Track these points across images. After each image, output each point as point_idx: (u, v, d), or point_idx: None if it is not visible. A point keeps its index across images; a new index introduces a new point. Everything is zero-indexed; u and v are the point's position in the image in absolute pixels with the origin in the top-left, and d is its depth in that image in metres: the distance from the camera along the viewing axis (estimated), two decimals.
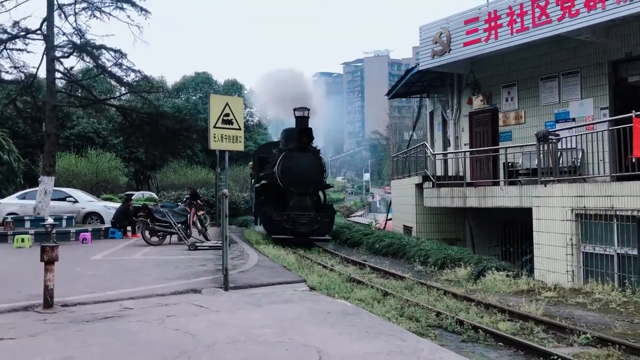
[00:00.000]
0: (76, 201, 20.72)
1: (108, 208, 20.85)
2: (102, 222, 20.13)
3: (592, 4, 12.10)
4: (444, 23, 16.16)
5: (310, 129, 17.18)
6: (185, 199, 17.73)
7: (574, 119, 14.20)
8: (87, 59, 19.65)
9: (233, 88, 54.95)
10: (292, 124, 18.09)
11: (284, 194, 16.88)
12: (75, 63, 21.43)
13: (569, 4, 12.57)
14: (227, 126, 23.07)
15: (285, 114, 19.92)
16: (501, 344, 6.35)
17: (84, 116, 38.93)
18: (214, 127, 22.83)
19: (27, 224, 16.50)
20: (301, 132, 16.93)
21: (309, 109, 17.37)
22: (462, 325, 6.89)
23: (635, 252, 9.51)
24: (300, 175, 16.62)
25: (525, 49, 14.72)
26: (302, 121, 17.23)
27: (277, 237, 16.15)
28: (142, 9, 18.95)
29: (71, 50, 19.23)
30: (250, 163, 24.40)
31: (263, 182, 18.37)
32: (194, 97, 55.75)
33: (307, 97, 18.76)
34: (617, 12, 11.70)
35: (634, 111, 9.89)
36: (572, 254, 10.87)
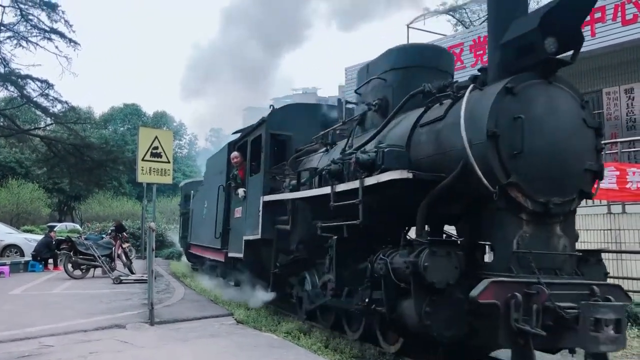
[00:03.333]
0: None
1: (29, 240, 20.03)
2: (22, 255, 19.34)
3: None
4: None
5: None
6: (110, 231, 17.34)
7: None
8: (12, 88, 19.15)
9: (162, 120, 54.50)
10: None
11: (486, 214, 4.88)
12: None
13: None
14: (156, 159, 22.62)
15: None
16: None
17: (6, 145, 37.42)
18: (142, 159, 22.35)
19: None
20: (548, 18, 4.47)
21: None
22: (384, 356, 6.75)
23: None
24: (557, 152, 4.73)
25: None
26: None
27: None
28: (71, 41, 18.83)
29: None
30: (235, 153, 11.77)
31: (388, 178, 5.16)
32: (122, 129, 54.76)
33: None
34: None
35: None
36: None
